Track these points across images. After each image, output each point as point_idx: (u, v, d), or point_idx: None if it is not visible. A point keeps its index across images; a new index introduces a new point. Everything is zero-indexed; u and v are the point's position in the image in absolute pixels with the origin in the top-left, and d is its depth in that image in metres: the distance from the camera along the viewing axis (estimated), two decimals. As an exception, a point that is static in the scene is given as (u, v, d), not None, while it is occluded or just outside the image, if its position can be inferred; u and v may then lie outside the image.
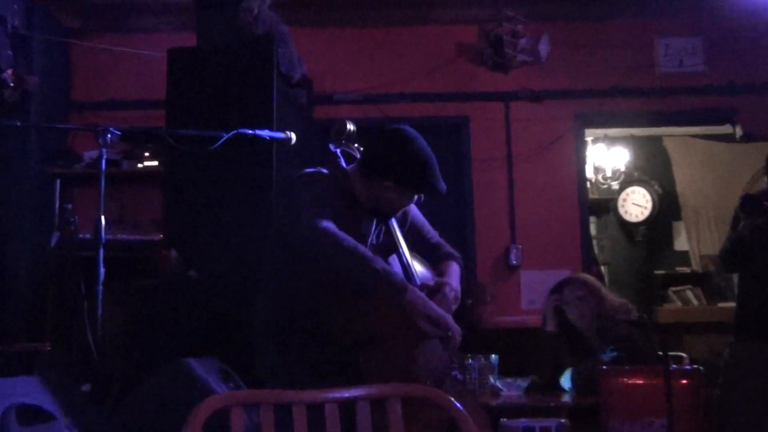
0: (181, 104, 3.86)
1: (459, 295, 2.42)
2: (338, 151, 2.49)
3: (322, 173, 2.40)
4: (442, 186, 2.35)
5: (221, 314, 3.53)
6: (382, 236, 2.46)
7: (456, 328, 2.24)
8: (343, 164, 2.45)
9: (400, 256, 2.40)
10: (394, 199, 2.38)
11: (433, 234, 2.69)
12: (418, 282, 2.36)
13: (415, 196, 2.41)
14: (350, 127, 2.54)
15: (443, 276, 2.48)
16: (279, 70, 3.93)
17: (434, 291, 2.36)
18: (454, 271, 2.53)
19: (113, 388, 3.33)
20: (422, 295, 2.22)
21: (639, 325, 3.48)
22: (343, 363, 2.20)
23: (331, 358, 2.22)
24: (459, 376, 2.36)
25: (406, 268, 2.38)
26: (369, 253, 2.18)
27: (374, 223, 2.45)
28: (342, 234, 2.17)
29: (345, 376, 2.17)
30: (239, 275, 3.59)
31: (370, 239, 2.43)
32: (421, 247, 2.61)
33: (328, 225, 2.17)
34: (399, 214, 2.49)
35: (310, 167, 2.46)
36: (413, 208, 2.61)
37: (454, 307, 2.36)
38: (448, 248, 2.66)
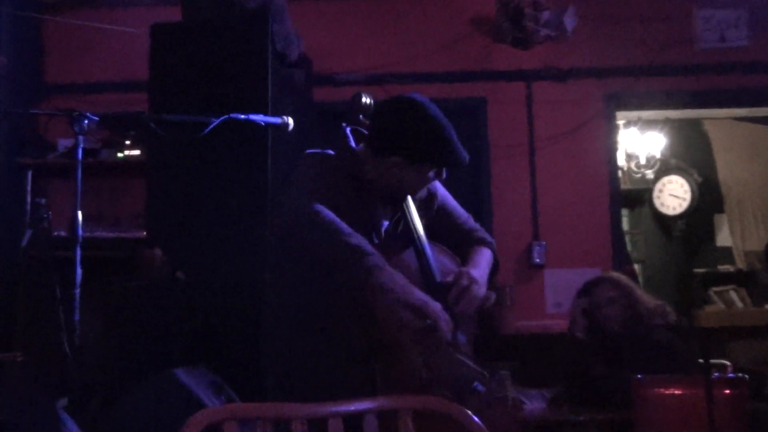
0: (166, 86, 3.87)
1: (482, 285, 2.31)
2: (348, 129, 2.44)
3: (326, 154, 2.38)
4: (463, 155, 2.29)
5: (212, 320, 3.55)
6: (401, 225, 2.39)
7: (440, 315, 2.12)
8: (353, 144, 2.40)
9: (418, 248, 2.34)
10: (409, 178, 2.33)
11: (465, 218, 2.61)
12: (438, 278, 2.29)
13: (432, 172, 2.33)
14: (366, 100, 2.50)
15: (469, 264, 2.40)
16: (274, 47, 3.93)
17: (451, 287, 2.27)
18: (482, 257, 2.47)
19: (93, 402, 3.34)
20: (400, 277, 2.11)
21: (677, 329, 3.48)
22: (357, 370, 2.19)
23: (345, 365, 2.21)
24: (480, 388, 2.28)
25: (423, 261, 2.31)
26: (346, 228, 2.11)
27: (390, 209, 2.40)
28: (327, 212, 2.12)
29: (359, 383, 2.16)
30: (232, 276, 3.61)
31: (384, 228, 2.38)
32: (452, 234, 2.54)
33: (316, 206, 2.13)
34: (424, 195, 2.44)
35: (313, 149, 2.43)
36: (442, 190, 2.56)
37: (477, 301, 2.28)
38: (481, 233, 2.59)
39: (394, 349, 2.17)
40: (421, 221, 2.41)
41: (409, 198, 2.41)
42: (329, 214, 2.13)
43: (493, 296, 2.35)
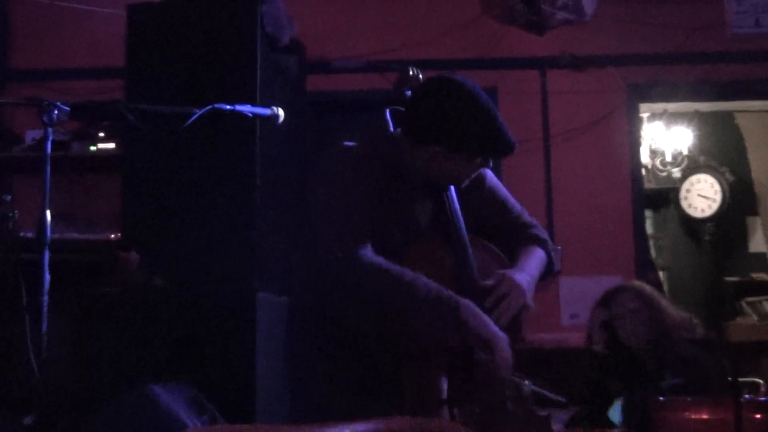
0: (144, 73, 3.87)
1: (525, 292, 2.32)
2: (388, 112, 2.40)
3: (355, 151, 2.33)
4: (512, 141, 2.25)
5: (194, 330, 3.55)
6: (441, 216, 2.36)
7: (501, 354, 2.18)
8: (392, 129, 2.37)
9: (457, 245, 2.32)
10: (451, 168, 2.29)
11: (518, 211, 2.57)
12: (478, 280, 2.29)
13: (478, 161, 2.30)
14: (413, 72, 2.47)
15: (515, 265, 2.39)
16: (263, 30, 3.93)
17: (489, 291, 2.29)
18: (531, 259, 2.45)
19: (62, 420, 3.34)
20: (476, 309, 2.17)
21: (705, 344, 3.48)
22: (382, 379, 2.21)
23: (370, 373, 2.23)
24: (511, 407, 2.30)
25: (462, 260, 2.30)
26: (415, 278, 2.13)
27: (431, 201, 2.38)
28: (385, 264, 2.13)
29: (384, 394, 2.19)
30: (217, 283, 3.61)
31: (422, 224, 2.36)
32: (502, 228, 2.51)
33: (367, 254, 2.13)
34: (466, 185, 2.39)
35: (346, 138, 2.39)
36: (492, 177, 2.53)
37: (517, 308, 2.30)
38: (535, 229, 2.55)
39: (421, 358, 2.19)
40: (467, 212, 2.38)
41: (452, 187, 2.38)
42: (392, 268, 2.13)
43: (532, 307, 2.35)
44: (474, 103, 2.24)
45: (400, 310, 2.13)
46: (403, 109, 2.37)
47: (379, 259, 2.14)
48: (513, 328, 2.32)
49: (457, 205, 2.37)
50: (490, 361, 2.18)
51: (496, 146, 2.27)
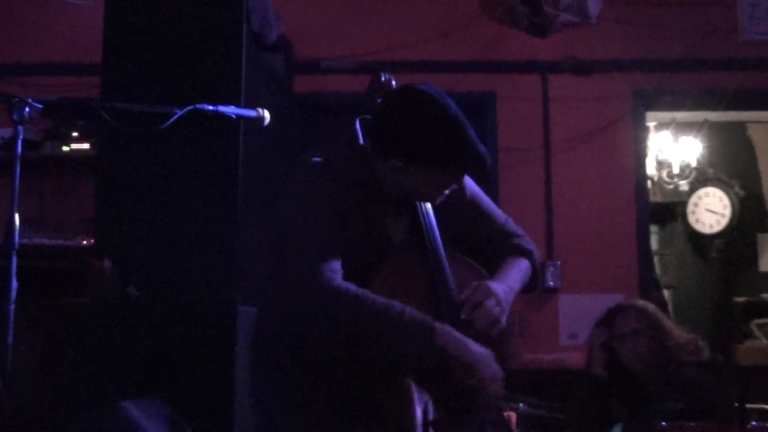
0: (122, 70, 3.87)
1: (501, 301, 2.29)
2: (357, 123, 2.40)
3: (320, 166, 2.30)
4: (480, 154, 2.20)
5: (169, 345, 3.54)
6: (416, 231, 2.35)
7: (488, 374, 2.17)
8: (361, 140, 2.38)
9: (432, 259, 2.31)
10: (416, 184, 2.26)
11: (503, 221, 2.57)
12: (455, 294, 2.28)
13: (447, 177, 2.26)
14: (385, 78, 2.47)
15: (494, 276, 2.38)
16: (249, 27, 3.94)
17: (469, 306, 2.27)
18: (512, 269, 2.44)
19: (26, 437, 3.33)
20: (453, 333, 2.15)
21: (711, 368, 3.49)
22: (353, 402, 2.23)
23: (339, 396, 2.24)
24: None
25: (438, 275, 2.30)
26: (387, 302, 2.13)
27: (405, 214, 2.37)
28: (353, 290, 2.13)
29: (355, 417, 2.21)
30: (195, 294, 3.60)
31: (396, 239, 2.35)
32: (486, 239, 2.52)
33: (335, 280, 2.13)
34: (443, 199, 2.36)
35: (307, 155, 2.36)
36: (473, 186, 2.51)
37: (494, 315, 2.27)
38: (521, 240, 2.54)
39: (399, 377, 2.19)
40: (445, 224, 2.38)
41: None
42: (364, 295, 2.12)
43: (503, 320, 2.30)
44: (438, 113, 2.20)
45: (373, 337, 2.13)
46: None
47: (348, 285, 2.14)
48: (495, 341, 2.31)
49: (432, 219, 2.36)
50: (477, 384, 2.17)
51: (463, 161, 2.23)
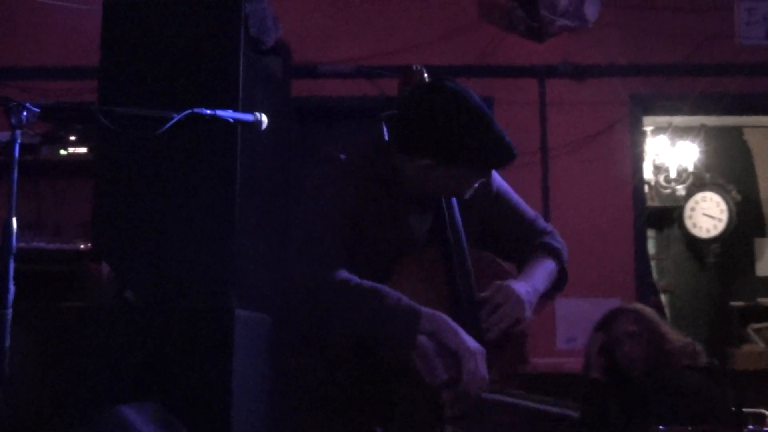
0: (120, 74, 3.87)
1: (525, 303, 2.23)
2: (384, 117, 2.33)
3: (342, 161, 2.26)
4: (510, 148, 2.20)
5: (167, 349, 3.54)
6: (439, 227, 2.31)
7: (470, 369, 2.08)
8: (386, 137, 2.32)
9: (453, 258, 2.26)
10: (445, 182, 2.22)
11: (532, 216, 2.52)
12: (475, 293, 2.23)
13: (475, 174, 2.23)
14: (417, 68, 2.42)
15: (518, 276, 2.33)
16: (247, 31, 3.94)
17: (490, 307, 2.22)
18: (537, 269, 2.38)
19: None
20: (445, 320, 2.09)
21: (708, 372, 3.49)
22: (371, 397, 2.20)
23: (359, 394, 2.22)
24: None
25: (459, 274, 2.24)
26: (382, 290, 2.09)
27: (429, 212, 2.32)
28: (356, 281, 2.11)
29: (374, 411, 2.18)
30: (192, 298, 3.60)
31: (418, 237, 2.31)
32: (512, 235, 2.46)
33: (341, 274, 2.10)
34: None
35: (334, 145, 2.32)
36: (500, 182, 2.47)
37: (511, 320, 2.22)
38: (549, 237, 2.49)
39: (410, 372, 2.14)
40: (471, 220, 2.33)
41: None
42: (350, 278, 2.10)
43: (528, 319, 2.25)
44: (469, 110, 2.18)
45: (363, 324, 2.10)
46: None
47: (353, 277, 2.11)
48: (509, 344, 2.28)
49: (457, 215, 2.32)
50: (452, 378, 2.09)
51: (493, 156, 2.21)
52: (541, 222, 2.53)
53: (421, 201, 2.31)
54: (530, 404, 2.31)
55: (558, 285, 2.46)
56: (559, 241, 2.51)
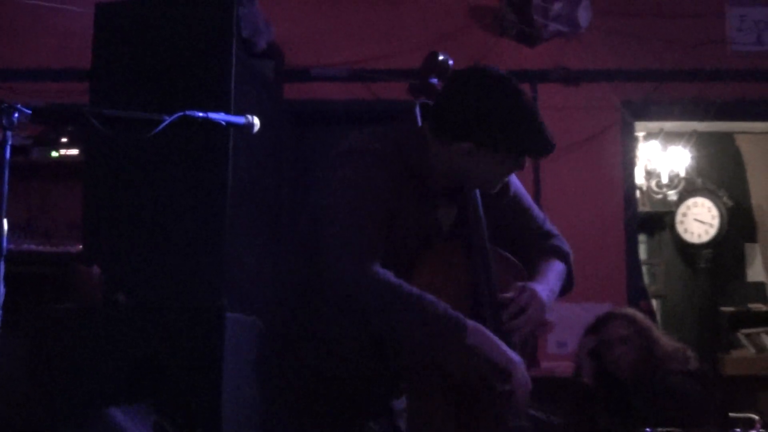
0: (112, 76, 3.87)
1: (545, 306, 2.26)
2: (417, 106, 2.29)
3: (372, 150, 2.21)
4: (551, 139, 2.20)
5: (157, 351, 3.53)
6: (464, 221, 2.29)
7: (520, 381, 2.10)
8: (420, 123, 2.27)
9: (478, 254, 2.25)
10: (481, 168, 2.21)
11: (541, 219, 2.51)
12: (496, 292, 2.23)
13: (513, 162, 2.22)
14: (443, 57, 2.39)
15: (535, 278, 2.33)
16: (239, 34, 3.95)
17: (508, 303, 2.22)
18: (551, 271, 2.38)
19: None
20: (487, 333, 2.10)
21: (698, 377, 3.50)
22: (375, 405, 2.23)
23: (361, 398, 2.23)
24: None
25: (483, 271, 2.24)
26: (423, 296, 2.06)
27: (454, 204, 2.31)
28: (396, 282, 2.07)
29: (376, 420, 2.21)
30: (183, 301, 3.60)
31: (444, 229, 2.30)
32: (522, 236, 2.46)
33: (380, 271, 2.06)
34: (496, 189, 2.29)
35: (363, 135, 2.27)
36: (516, 183, 2.46)
37: (533, 325, 2.24)
38: (557, 240, 2.48)
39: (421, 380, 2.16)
40: (488, 218, 2.32)
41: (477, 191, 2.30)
42: (389, 278, 2.06)
43: (552, 324, 2.30)
44: (513, 96, 2.18)
45: (404, 329, 2.08)
46: (432, 102, 2.28)
47: (391, 277, 2.07)
48: (526, 348, 2.29)
49: (481, 211, 2.30)
50: (509, 391, 2.11)
51: (535, 145, 2.21)
52: (549, 225, 2.52)
53: (448, 193, 2.29)
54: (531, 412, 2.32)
55: (566, 287, 2.47)
56: (566, 245, 2.52)
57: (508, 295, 2.23)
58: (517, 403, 2.12)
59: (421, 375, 2.15)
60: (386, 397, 2.26)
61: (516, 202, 2.45)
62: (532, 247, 2.46)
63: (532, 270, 2.38)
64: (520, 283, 2.26)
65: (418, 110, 2.29)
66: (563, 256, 2.47)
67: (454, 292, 2.18)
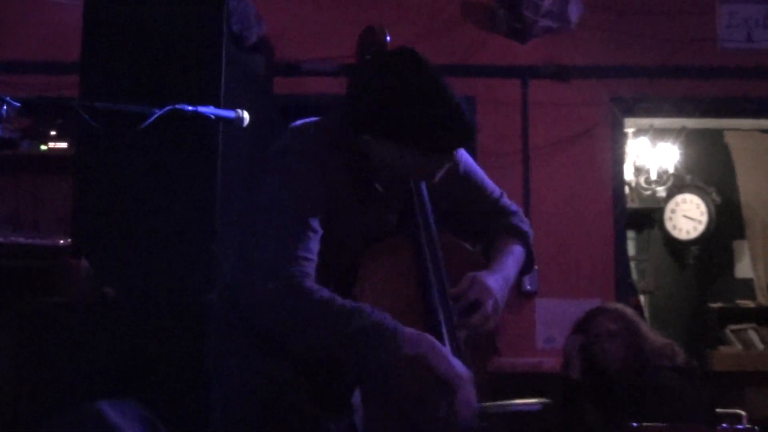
0: (101, 69, 3.85)
1: (498, 299, 2.13)
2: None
3: (307, 141, 2.08)
4: (465, 127, 1.98)
5: (145, 345, 3.53)
6: (409, 213, 2.17)
7: (463, 400, 1.92)
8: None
9: (423, 245, 2.12)
10: (400, 164, 2.02)
11: (497, 195, 2.36)
12: (446, 284, 2.11)
13: (427, 156, 2.00)
14: (379, 30, 2.25)
15: (490, 265, 2.20)
16: (229, 28, 3.94)
17: (457, 298, 2.10)
18: (507, 257, 2.25)
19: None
20: (431, 343, 1.92)
21: (685, 372, 3.51)
22: (338, 401, 2.15)
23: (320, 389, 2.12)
24: None
25: (430, 264, 2.11)
26: (352, 306, 1.91)
27: (399, 196, 2.17)
28: (327, 295, 1.91)
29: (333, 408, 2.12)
30: (172, 295, 3.59)
31: (390, 223, 2.20)
32: (478, 215, 2.34)
33: (307, 283, 1.92)
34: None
35: (298, 130, 2.14)
36: (466, 161, 2.31)
37: (490, 322, 2.13)
38: (514, 218, 2.36)
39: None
40: (436, 199, 2.20)
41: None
42: (320, 291, 1.92)
43: (496, 313, 2.16)
44: (416, 84, 1.99)
45: (319, 344, 1.93)
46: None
47: (323, 290, 1.93)
48: (480, 339, 2.20)
49: (427, 201, 2.18)
50: (449, 407, 1.93)
51: (444, 137, 1.98)
52: (506, 201, 2.40)
53: (391, 185, 2.15)
54: (496, 408, 2.23)
55: (525, 269, 2.37)
56: (524, 221, 2.40)
57: (457, 289, 2.13)
58: (459, 420, 1.93)
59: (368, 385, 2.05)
60: (346, 394, 2.16)
61: (467, 181, 2.31)
62: (488, 225, 2.35)
63: (488, 253, 2.28)
64: (469, 275, 2.14)
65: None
66: (521, 236, 2.36)
67: (403, 289, 2.09)
